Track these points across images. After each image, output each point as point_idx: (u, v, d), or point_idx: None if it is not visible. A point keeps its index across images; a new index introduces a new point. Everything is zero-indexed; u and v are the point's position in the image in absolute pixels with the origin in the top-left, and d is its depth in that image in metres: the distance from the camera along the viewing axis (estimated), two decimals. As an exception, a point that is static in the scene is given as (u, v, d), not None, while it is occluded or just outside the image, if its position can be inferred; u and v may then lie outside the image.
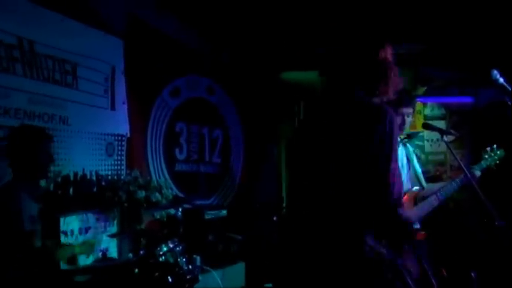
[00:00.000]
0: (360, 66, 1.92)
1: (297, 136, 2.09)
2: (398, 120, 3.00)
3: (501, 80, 2.36)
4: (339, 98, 1.95)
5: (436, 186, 3.40)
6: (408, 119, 3.27)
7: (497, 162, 3.43)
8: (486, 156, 3.42)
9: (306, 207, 1.90)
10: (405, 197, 3.21)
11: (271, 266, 4.85)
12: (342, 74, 1.95)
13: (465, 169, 3.06)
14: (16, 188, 2.74)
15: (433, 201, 3.23)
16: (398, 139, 3.21)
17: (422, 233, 3.27)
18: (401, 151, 3.32)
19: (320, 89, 2.02)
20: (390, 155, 1.84)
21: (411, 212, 3.24)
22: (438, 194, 3.24)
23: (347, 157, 1.83)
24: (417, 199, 3.31)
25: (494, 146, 3.47)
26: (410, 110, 3.27)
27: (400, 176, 1.92)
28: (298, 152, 2.01)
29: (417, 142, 6.33)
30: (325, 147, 1.88)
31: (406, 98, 3.14)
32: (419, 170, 3.50)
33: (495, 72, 2.37)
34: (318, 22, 5.37)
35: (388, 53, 1.97)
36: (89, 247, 3.13)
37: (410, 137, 3.56)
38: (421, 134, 6.31)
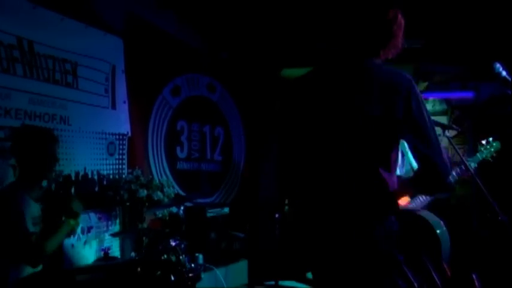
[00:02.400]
0: (368, 27, 1.80)
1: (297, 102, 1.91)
2: None
3: (504, 73, 2.33)
4: (349, 63, 1.82)
5: None
6: None
7: (494, 154, 3.40)
8: (482, 149, 3.40)
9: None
10: None
11: (273, 263, 4.85)
12: (350, 37, 1.82)
13: (467, 164, 3.06)
14: (19, 189, 2.74)
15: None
16: None
17: None
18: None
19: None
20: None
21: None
22: None
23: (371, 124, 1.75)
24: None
25: (490, 138, 3.45)
26: None
27: None
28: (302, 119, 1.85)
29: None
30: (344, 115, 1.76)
31: None
32: (414, 164, 3.48)
33: (498, 65, 2.34)
34: (317, 18, 5.35)
35: (398, 12, 1.83)
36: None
37: None
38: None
